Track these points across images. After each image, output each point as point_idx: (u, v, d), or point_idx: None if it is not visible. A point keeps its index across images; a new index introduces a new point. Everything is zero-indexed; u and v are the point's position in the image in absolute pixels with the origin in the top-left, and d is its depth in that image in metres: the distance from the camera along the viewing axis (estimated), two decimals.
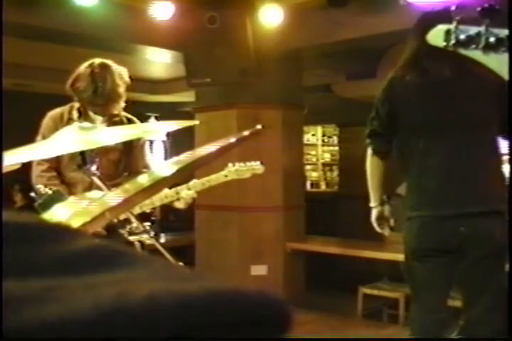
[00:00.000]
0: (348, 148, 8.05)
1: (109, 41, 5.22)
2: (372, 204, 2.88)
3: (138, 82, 8.52)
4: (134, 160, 2.92)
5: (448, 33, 1.93)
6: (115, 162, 2.84)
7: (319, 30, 5.05)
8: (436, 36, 2.12)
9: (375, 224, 2.88)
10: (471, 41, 1.69)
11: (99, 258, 0.31)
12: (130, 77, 3.01)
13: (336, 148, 9.86)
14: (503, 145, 2.74)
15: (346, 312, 5.16)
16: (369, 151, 2.82)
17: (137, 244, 2.48)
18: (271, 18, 4.93)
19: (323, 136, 10.26)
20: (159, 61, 6.64)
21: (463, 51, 2.00)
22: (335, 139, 9.99)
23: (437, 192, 2.56)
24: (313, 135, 10.15)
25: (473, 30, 1.68)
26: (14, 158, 1.34)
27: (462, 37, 1.70)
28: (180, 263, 2.21)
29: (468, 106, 2.57)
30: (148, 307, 0.25)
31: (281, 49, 5.32)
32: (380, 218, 2.86)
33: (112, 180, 2.60)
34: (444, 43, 2.03)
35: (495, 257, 2.52)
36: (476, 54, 1.97)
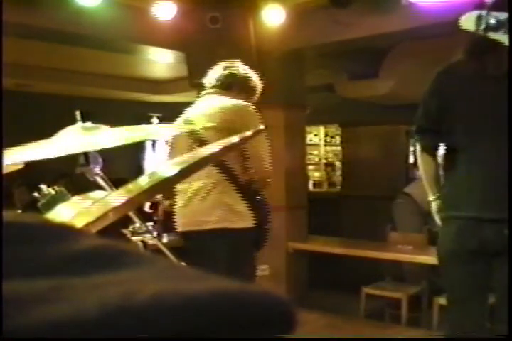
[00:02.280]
0: (350, 148, 8.05)
1: (112, 41, 5.22)
2: (430, 198, 2.82)
3: (140, 82, 8.54)
4: None
5: (479, 18, 1.93)
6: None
7: (321, 30, 5.05)
8: (467, 21, 2.10)
9: (436, 217, 2.81)
10: (500, 26, 1.69)
11: (103, 258, 0.31)
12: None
13: (339, 148, 9.85)
14: None
15: (349, 312, 5.16)
16: (418, 148, 2.75)
17: (140, 244, 2.48)
18: (273, 18, 4.93)
19: (326, 136, 10.24)
20: (161, 61, 6.64)
21: (492, 35, 1.99)
22: (337, 139, 9.98)
23: (484, 193, 2.46)
24: (315, 135, 10.14)
25: (503, 15, 1.68)
26: (16, 157, 1.34)
27: (492, 22, 1.70)
28: (183, 263, 2.21)
29: None
30: (154, 307, 0.25)
31: (283, 49, 5.32)
32: (439, 211, 2.80)
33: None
34: (475, 28, 2.02)
35: (509, 259, 2.48)
36: (504, 38, 1.96)
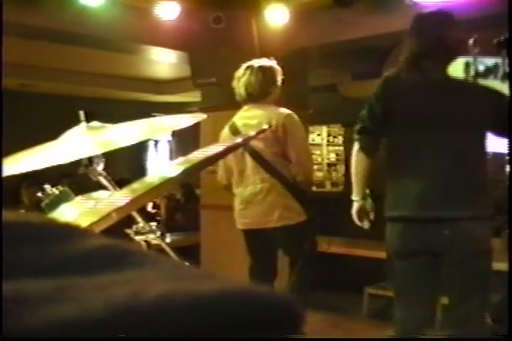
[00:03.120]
0: (353, 148, 8.03)
1: (115, 41, 5.23)
2: (354, 197, 2.92)
3: (143, 82, 8.55)
4: None
5: (467, 65, 1.96)
6: None
7: (325, 30, 5.04)
8: (455, 69, 2.13)
9: (354, 217, 2.94)
10: (489, 72, 1.71)
11: (108, 257, 0.31)
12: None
13: (341, 147, 9.84)
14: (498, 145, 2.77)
15: (351, 312, 5.15)
16: (355, 147, 2.85)
17: (143, 244, 2.49)
18: (276, 17, 4.93)
19: (329, 135, 10.23)
20: (165, 61, 6.64)
21: (482, 81, 2.02)
22: (340, 139, 9.97)
23: (423, 193, 2.57)
24: (318, 135, 10.13)
25: (490, 61, 1.69)
26: (27, 164, 1.34)
27: (481, 69, 1.72)
28: (186, 263, 2.22)
29: (460, 109, 2.57)
30: (161, 306, 0.25)
31: (286, 49, 5.31)
32: (361, 212, 2.91)
33: None
34: (464, 75, 2.06)
35: (478, 260, 2.53)
36: (494, 83, 1.99)
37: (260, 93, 3.34)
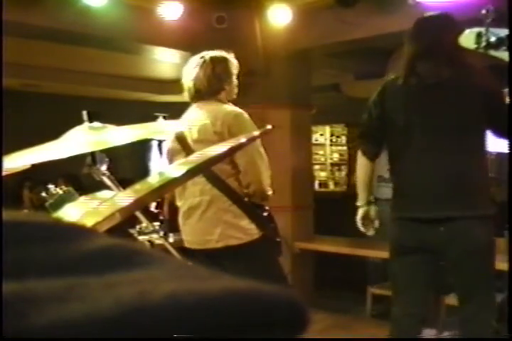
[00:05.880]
0: (356, 148, 8.03)
1: (118, 41, 5.23)
2: (358, 203, 2.95)
3: (146, 82, 8.55)
4: None
5: (479, 35, 1.93)
6: None
7: (328, 30, 5.04)
8: (467, 39, 2.12)
9: (359, 223, 2.96)
10: (501, 43, 1.69)
11: (115, 257, 0.31)
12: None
13: (345, 147, 9.85)
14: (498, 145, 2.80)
15: (355, 312, 5.15)
16: (358, 152, 2.88)
17: (147, 244, 2.49)
18: (279, 17, 4.93)
19: (332, 135, 10.23)
20: (167, 61, 6.65)
21: (493, 53, 2.01)
22: (343, 139, 9.98)
23: (419, 195, 2.64)
24: (321, 135, 10.13)
25: (503, 32, 1.67)
26: (24, 159, 1.35)
27: (493, 39, 1.70)
28: (190, 263, 2.22)
29: (457, 111, 2.60)
30: (170, 306, 0.25)
31: (289, 49, 5.32)
32: (365, 218, 2.93)
33: None
34: (475, 46, 2.04)
35: (478, 258, 2.56)
36: (505, 55, 1.97)
37: (209, 90, 2.81)
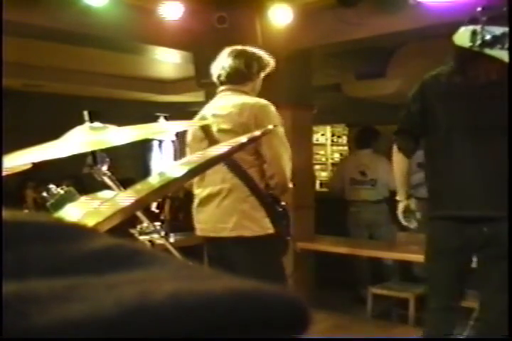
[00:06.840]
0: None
1: (119, 41, 5.23)
2: (398, 198, 2.92)
3: (147, 82, 8.55)
4: None
5: (474, 33, 1.92)
6: None
7: (329, 30, 5.04)
8: (462, 37, 2.11)
9: (401, 218, 2.93)
10: (496, 41, 1.68)
11: (117, 257, 0.31)
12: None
13: (345, 147, 9.85)
14: None
15: (356, 312, 5.15)
16: (394, 148, 2.85)
17: (147, 244, 2.49)
18: (280, 17, 4.93)
19: (333, 135, 10.25)
20: (168, 61, 6.65)
21: (488, 51, 2.00)
22: (344, 139, 9.99)
23: (463, 193, 2.60)
24: (322, 135, 10.14)
25: (498, 30, 1.67)
26: (25, 157, 1.35)
27: (488, 37, 1.69)
28: (191, 263, 2.22)
29: (498, 110, 2.58)
30: (172, 306, 0.25)
31: (290, 49, 5.32)
32: (406, 211, 2.91)
33: None
34: (470, 44, 2.03)
35: (508, 259, 2.55)
36: (500, 53, 1.96)
37: (237, 78, 2.92)
